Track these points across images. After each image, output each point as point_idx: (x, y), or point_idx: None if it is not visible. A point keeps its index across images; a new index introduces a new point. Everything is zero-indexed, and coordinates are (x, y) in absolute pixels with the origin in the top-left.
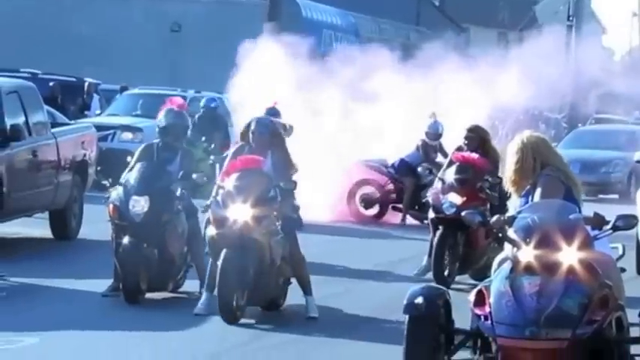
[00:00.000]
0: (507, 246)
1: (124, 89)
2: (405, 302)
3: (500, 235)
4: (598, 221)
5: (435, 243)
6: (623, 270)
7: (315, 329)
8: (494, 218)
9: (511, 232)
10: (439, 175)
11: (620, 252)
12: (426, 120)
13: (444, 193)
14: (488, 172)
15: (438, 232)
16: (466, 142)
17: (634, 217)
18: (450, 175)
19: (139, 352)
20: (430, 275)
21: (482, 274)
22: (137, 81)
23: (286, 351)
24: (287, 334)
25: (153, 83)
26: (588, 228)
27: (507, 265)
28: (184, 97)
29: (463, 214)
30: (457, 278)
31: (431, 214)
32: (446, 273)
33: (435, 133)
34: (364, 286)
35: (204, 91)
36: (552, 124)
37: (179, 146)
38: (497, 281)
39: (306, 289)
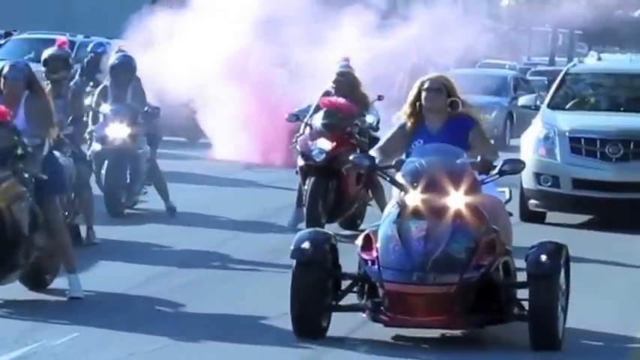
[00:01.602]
0: (395, 190)
1: (8, 34)
2: (292, 247)
3: (387, 179)
4: (485, 166)
5: (307, 192)
6: (509, 214)
7: (198, 277)
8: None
9: (398, 176)
10: (306, 120)
11: (507, 196)
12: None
13: (313, 139)
14: (357, 117)
15: (310, 181)
16: (334, 86)
17: (520, 161)
18: (318, 120)
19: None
20: (303, 225)
21: (351, 222)
22: (28, 25)
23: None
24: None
25: (44, 28)
26: (476, 172)
27: (395, 210)
28: (73, 42)
29: (351, 157)
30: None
31: (300, 162)
32: None
33: None
34: (252, 232)
35: (94, 37)
36: (441, 69)
37: (65, 86)
38: (384, 225)
39: (68, 265)
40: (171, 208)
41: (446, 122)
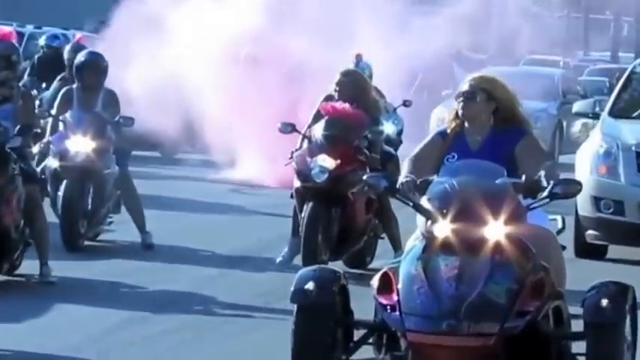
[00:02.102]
0: (420, 219)
1: None
2: (292, 288)
3: (410, 204)
4: (532, 187)
5: (305, 221)
6: (563, 248)
7: (178, 325)
8: (403, 181)
9: (424, 201)
10: (304, 131)
11: (560, 226)
12: (350, 62)
13: (312, 155)
14: (367, 127)
15: (308, 207)
16: (337, 88)
17: (576, 182)
18: (318, 131)
19: None
20: (298, 261)
21: (359, 259)
22: None
23: None
24: None
25: None
26: (520, 196)
27: (419, 243)
28: (21, 34)
29: (365, 177)
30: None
31: (296, 183)
32: None
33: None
34: (244, 269)
35: (47, 27)
36: (474, 66)
37: (15, 88)
38: (406, 262)
39: None
40: (147, 242)
41: (489, 135)
